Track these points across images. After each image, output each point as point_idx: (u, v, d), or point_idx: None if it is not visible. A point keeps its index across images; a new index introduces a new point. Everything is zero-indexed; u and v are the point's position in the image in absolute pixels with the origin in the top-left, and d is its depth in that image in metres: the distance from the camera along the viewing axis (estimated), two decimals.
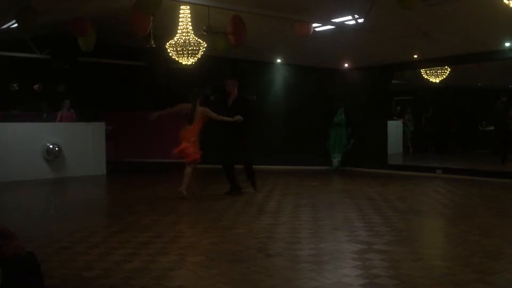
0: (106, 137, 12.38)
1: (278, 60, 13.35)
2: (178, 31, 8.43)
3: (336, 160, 12.72)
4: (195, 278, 4.04)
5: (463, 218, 6.48)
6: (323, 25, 8.96)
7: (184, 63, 8.70)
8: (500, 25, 8.34)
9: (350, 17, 8.41)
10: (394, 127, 14.72)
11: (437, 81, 13.07)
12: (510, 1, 5.15)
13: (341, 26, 8.66)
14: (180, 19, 8.41)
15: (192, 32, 8.43)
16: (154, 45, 9.20)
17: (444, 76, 13.00)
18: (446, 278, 3.98)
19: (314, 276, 4.02)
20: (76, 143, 11.68)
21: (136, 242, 5.17)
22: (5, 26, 10.12)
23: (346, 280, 3.88)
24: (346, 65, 12.84)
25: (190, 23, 8.39)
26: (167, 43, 8.55)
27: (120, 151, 14.44)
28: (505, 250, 4.84)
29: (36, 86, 14.16)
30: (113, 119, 13.85)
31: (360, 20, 8.16)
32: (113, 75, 13.97)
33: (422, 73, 13.06)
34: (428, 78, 13.12)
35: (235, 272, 4.16)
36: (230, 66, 12.71)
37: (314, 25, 8.65)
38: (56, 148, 11.29)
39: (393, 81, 13.16)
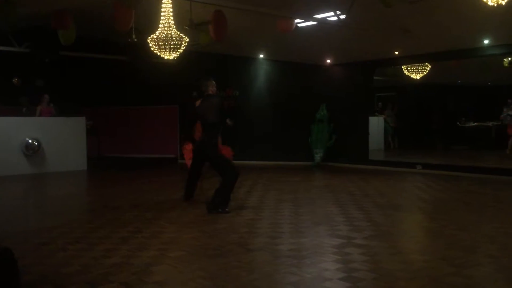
0: (87, 132, 12.26)
1: (261, 56, 13.34)
2: (160, 26, 8.36)
3: (318, 155, 12.80)
4: (175, 273, 4.03)
5: (441, 213, 6.58)
6: (305, 21, 8.98)
7: (166, 57, 8.63)
8: (479, 23, 8.46)
9: (332, 13, 8.44)
10: (376, 123, 14.86)
11: (418, 77, 13.22)
12: None
13: (323, 22, 8.69)
14: (162, 14, 8.34)
15: (174, 26, 8.37)
16: (135, 40, 9.11)
17: (425, 73, 13.15)
18: (423, 272, 4.04)
19: (294, 270, 4.04)
20: (56, 138, 11.53)
21: (116, 237, 5.14)
22: None
23: (325, 274, 3.92)
24: (328, 61, 12.90)
25: (172, 18, 8.33)
26: (149, 38, 8.48)
27: (102, 147, 14.31)
28: (481, 244, 4.94)
29: (15, 80, 13.91)
30: (95, 114, 13.72)
31: (342, 17, 8.20)
32: (94, 70, 13.81)
33: (404, 69, 13.19)
34: (409, 75, 13.26)
35: (216, 267, 4.16)
36: (213, 61, 12.68)
37: (297, 21, 8.67)
38: (36, 143, 11.14)
39: (375, 78, 13.27)
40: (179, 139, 13.35)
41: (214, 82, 6.93)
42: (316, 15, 8.57)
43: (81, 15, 9.09)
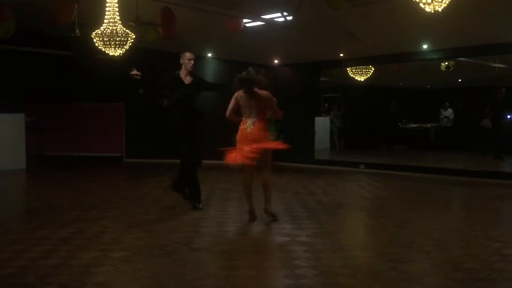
0: (26, 130, 11.77)
1: (209, 54, 13.29)
2: (105, 21, 8.15)
3: None
4: (117, 274, 3.96)
5: (381, 211, 6.83)
6: (253, 20, 9.05)
7: (111, 54, 8.43)
8: (417, 28, 8.81)
9: (279, 14, 8.54)
10: (322, 123, 15.18)
11: (362, 79, 13.62)
12: (426, 5, 5.48)
13: (270, 22, 8.78)
14: (107, 8, 8.14)
15: (120, 22, 8.19)
16: (79, 34, 8.82)
17: (369, 75, 13.57)
18: (363, 268, 4.19)
19: (238, 269, 4.07)
20: None
21: (56, 238, 4.98)
22: None
23: (269, 272, 3.97)
24: (276, 61, 13.03)
25: (117, 13, 8.15)
26: (93, 33, 8.25)
27: (44, 145, 13.77)
28: (417, 240, 5.17)
29: None
30: (37, 111, 13.19)
31: (289, 18, 8.31)
32: (37, 65, 13.25)
33: (348, 71, 13.55)
34: (354, 77, 13.63)
35: (159, 266, 4.12)
36: (160, 58, 12.49)
37: (245, 20, 8.71)
38: None
39: (321, 79, 13.53)
40: None
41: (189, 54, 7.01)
42: (263, 15, 8.65)
43: (22, 7, 8.70)
